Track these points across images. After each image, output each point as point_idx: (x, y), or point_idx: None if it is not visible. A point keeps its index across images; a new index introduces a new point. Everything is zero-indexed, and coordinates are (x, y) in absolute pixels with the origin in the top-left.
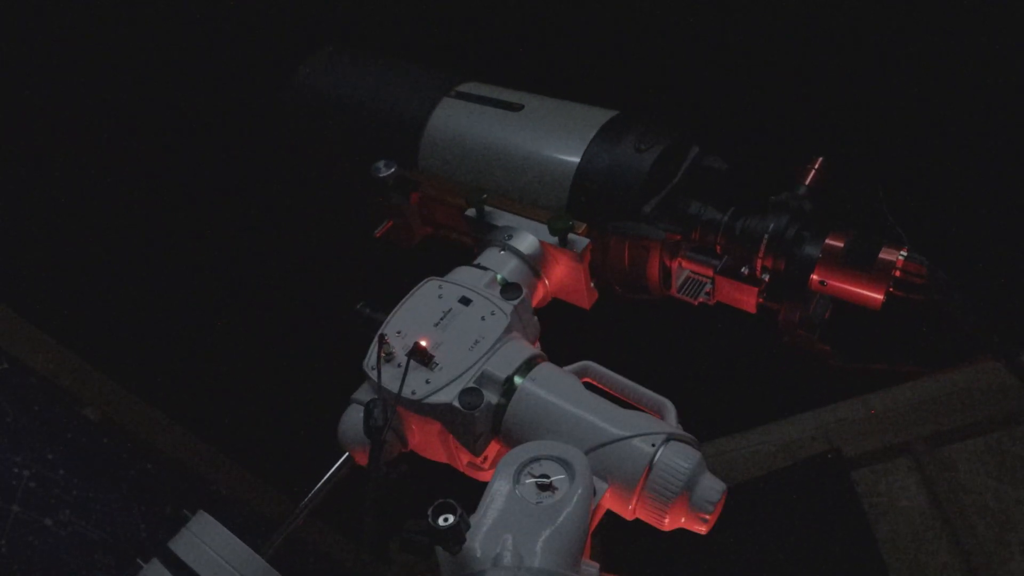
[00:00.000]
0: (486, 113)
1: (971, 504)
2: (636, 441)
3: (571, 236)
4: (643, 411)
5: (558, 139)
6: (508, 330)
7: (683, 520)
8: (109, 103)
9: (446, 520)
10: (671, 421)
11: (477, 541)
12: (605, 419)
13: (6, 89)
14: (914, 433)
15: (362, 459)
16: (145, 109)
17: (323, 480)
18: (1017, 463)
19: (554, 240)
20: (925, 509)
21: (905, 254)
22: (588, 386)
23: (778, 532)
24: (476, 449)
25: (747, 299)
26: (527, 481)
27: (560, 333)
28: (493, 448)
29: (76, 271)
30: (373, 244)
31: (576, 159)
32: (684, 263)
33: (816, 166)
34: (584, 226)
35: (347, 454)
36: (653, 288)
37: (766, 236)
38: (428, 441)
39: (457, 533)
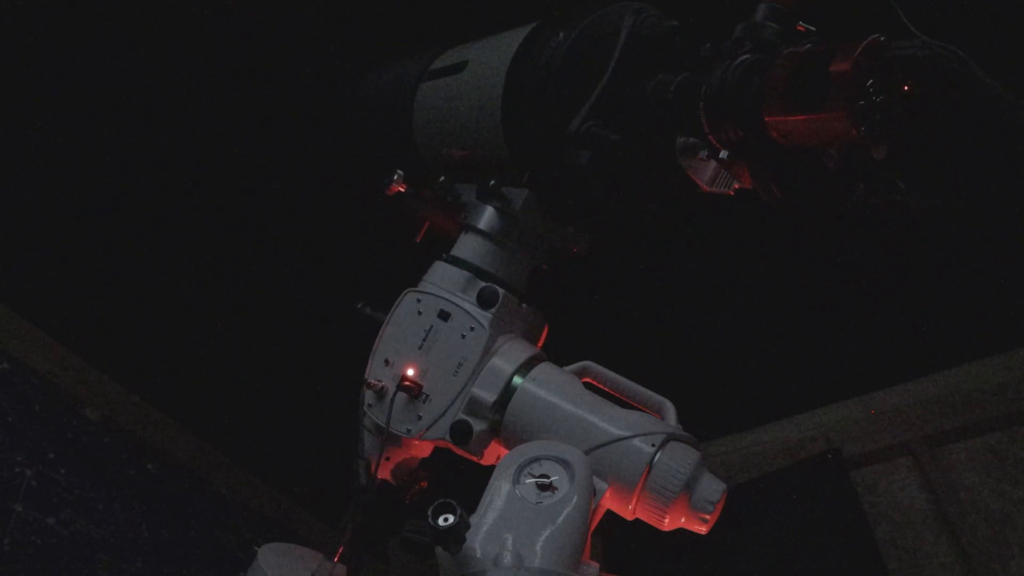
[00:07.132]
0: (440, 86)
1: (971, 504)
2: (636, 441)
3: (506, 191)
4: (643, 411)
5: (484, 86)
6: (491, 342)
7: (683, 520)
8: (110, 105)
9: (446, 520)
10: (671, 421)
11: (477, 541)
12: (605, 419)
13: (31, 93)
14: (914, 433)
15: (383, 473)
16: (145, 111)
17: (353, 509)
18: (1017, 463)
19: (499, 204)
20: (925, 509)
21: (897, 50)
22: (588, 386)
23: (778, 532)
24: (476, 456)
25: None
26: (527, 481)
27: (560, 333)
28: (500, 450)
29: (76, 271)
30: (414, 247)
31: (499, 102)
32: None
33: None
34: (526, 174)
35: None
36: (646, 203)
37: (702, 104)
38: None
39: (457, 533)
